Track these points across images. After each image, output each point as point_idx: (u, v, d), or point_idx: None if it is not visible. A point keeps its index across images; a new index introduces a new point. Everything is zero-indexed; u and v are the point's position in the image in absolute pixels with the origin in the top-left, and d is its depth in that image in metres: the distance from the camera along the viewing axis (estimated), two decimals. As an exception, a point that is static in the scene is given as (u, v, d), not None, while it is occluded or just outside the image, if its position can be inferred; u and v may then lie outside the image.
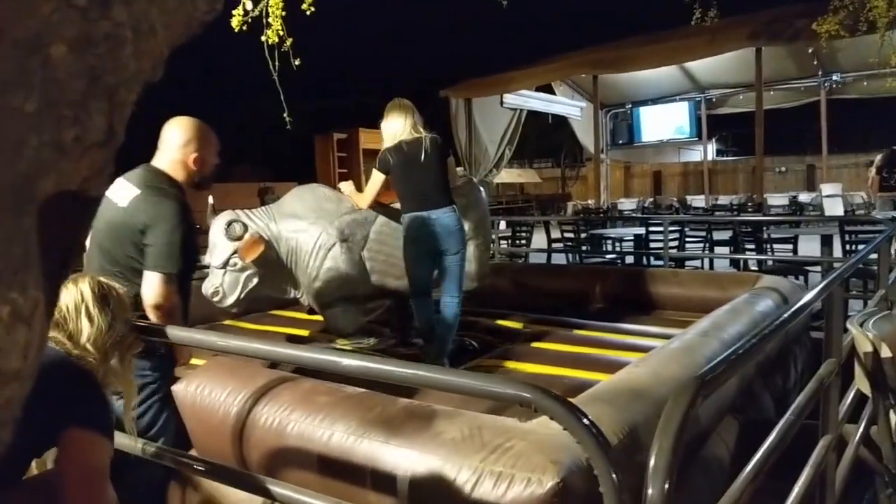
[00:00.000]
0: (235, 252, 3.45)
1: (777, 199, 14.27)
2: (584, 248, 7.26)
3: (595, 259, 6.70)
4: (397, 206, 3.76)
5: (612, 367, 3.23)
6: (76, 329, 1.50)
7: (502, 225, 8.16)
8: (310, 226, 3.69)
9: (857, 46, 10.44)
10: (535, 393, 1.14)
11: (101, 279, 1.63)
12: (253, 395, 2.00)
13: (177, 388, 2.22)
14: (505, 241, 8.02)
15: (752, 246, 6.79)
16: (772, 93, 12.23)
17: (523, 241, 7.88)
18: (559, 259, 7.79)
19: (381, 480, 1.64)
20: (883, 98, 12.98)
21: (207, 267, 3.58)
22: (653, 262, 6.48)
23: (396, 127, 3.63)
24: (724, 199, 16.64)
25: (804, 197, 15.34)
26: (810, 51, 10.99)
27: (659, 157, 21.65)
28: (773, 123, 13.73)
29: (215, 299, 3.51)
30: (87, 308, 1.52)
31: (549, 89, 12.54)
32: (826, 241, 5.51)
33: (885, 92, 12.62)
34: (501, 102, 11.19)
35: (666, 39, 8.49)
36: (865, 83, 12.63)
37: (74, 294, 1.53)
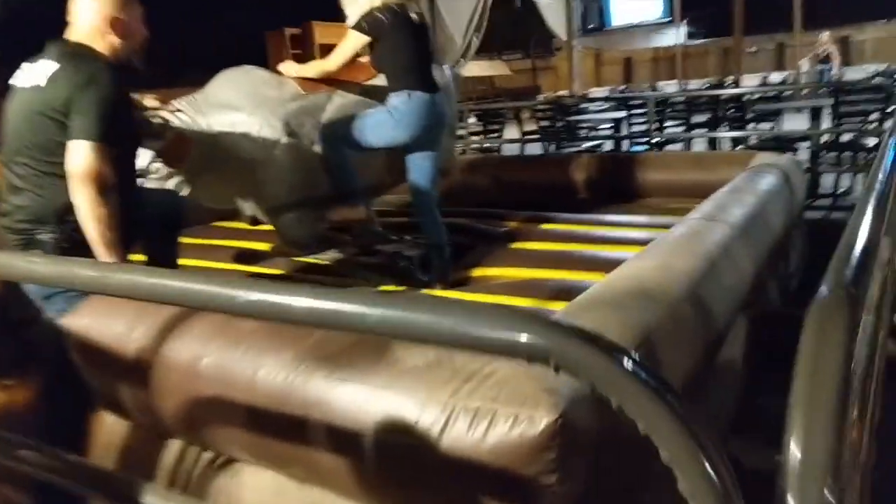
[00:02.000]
0: (158, 155, 2.79)
1: (749, 80, 13.78)
2: (561, 137, 6.78)
3: (573, 148, 6.25)
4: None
5: (603, 264, 2.87)
6: None
7: (471, 119, 7.60)
8: (248, 117, 3.03)
9: None
10: (554, 338, 0.61)
11: None
12: (160, 327, 1.56)
13: (64, 321, 1.78)
14: (475, 136, 7.51)
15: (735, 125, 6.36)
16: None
17: (495, 136, 7.36)
18: (534, 151, 7.32)
19: (322, 429, 1.25)
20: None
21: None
22: (633, 148, 6.07)
23: None
24: (695, 84, 16.09)
25: (775, 76, 14.91)
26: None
27: (629, 42, 20.79)
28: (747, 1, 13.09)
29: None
30: None
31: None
32: (815, 114, 5.11)
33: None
34: (464, -15, 10.32)
35: None
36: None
37: None
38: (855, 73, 13.27)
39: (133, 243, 2.27)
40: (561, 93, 18.75)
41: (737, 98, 6.28)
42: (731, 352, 1.99)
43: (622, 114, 6.65)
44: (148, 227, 2.33)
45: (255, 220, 3.38)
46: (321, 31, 12.64)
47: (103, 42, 2.10)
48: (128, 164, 2.20)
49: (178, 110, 2.97)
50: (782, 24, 18.07)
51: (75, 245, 1.93)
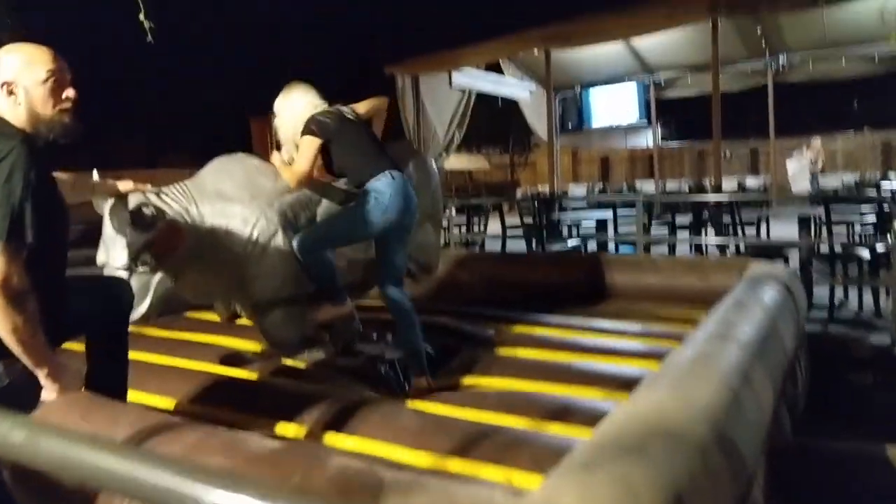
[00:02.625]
0: (147, 246, 2.53)
1: (724, 184, 14.12)
2: (543, 233, 6.72)
3: (558, 246, 6.17)
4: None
5: (598, 379, 2.71)
6: None
7: (453, 211, 7.55)
8: (243, 208, 2.87)
9: (804, 25, 10.31)
10: None
11: None
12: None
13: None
14: (457, 228, 7.44)
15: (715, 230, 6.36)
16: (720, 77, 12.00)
17: (478, 229, 7.30)
18: (515, 246, 7.24)
19: None
20: (827, 82, 13.02)
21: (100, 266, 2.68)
22: (621, 249, 6.00)
23: (310, 97, 3.02)
24: (672, 184, 16.52)
25: (751, 181, 15.32)
26: (758, 31, 10.79)
27: (605, 142, 21.46)
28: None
29: None
30: None
31: (498, 70, 12.01)
32: (804, 223, 5.10)
33: (831, 75, 12.69)
34: (450, 83, 10.60)
35: (623, 14, 8.03)
36: (811, 66, 12.56)
37: None
38: (831, 181, 13.70)
39: (68, 337, 2.02)
40: (537, 188, 19.14)
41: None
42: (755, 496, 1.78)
43: (604, 214, 6.64)
44: (88, 321, 2.04)
45: (233, 316, 3.15)
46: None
47: (13, 112, 1.80)
48: (54, 253, 1.88)
49: (165, 196, 2.76)
50: (753, 130, 18.84)
51: None
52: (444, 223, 6.99)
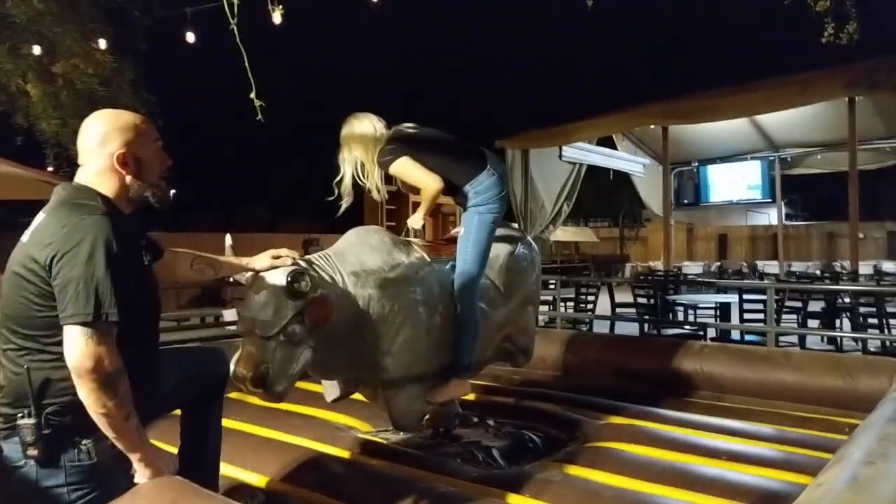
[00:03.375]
0: (299, 316, 2.37)
1: (859, 268, 13.01)
2: (658, 315, 6.32)
3: (674, 330, 5.77)
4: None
5: (719, 486, 2.39)
6: None
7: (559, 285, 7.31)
8: (386, 281, 2.77)
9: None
10: None
11: None
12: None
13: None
14: (563, 305, 7.17)
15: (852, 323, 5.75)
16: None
17: (587, 306, 6.99)
18: (624, 328, 6.87)
19: None
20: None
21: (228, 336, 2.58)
22: (746, 337, 5.51)
23: (373, 120, 3.04)
24: (797, 266, 15.43)
25: (888, 266, 14.07)
26: (899, 108, 10.09)
27: (723, 219, 20.51)
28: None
29: (259, 388, 2.31)
30: None
31: (610, 144, 11.85)
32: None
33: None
34: (560, 156, 10.52)
35: (749, 90, 7.69)
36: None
37: None
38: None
39: (162, 413, 1.96)
40: (648, 263, 18.45)
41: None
42: None
43: (726, 298, 6.18)
44: (183, 395, 1.96)
45: (344, 396, 3.02)
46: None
47: (111, 182, 1.73)
48: (144, 328, 1.78)
49: (314, 265, 2.63)
50: (889, 211, 17.45)
51: (58, 431, 1.58)
52: (550, 298, 6.78)
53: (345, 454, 2.76)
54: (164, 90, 10.01)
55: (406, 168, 2.96)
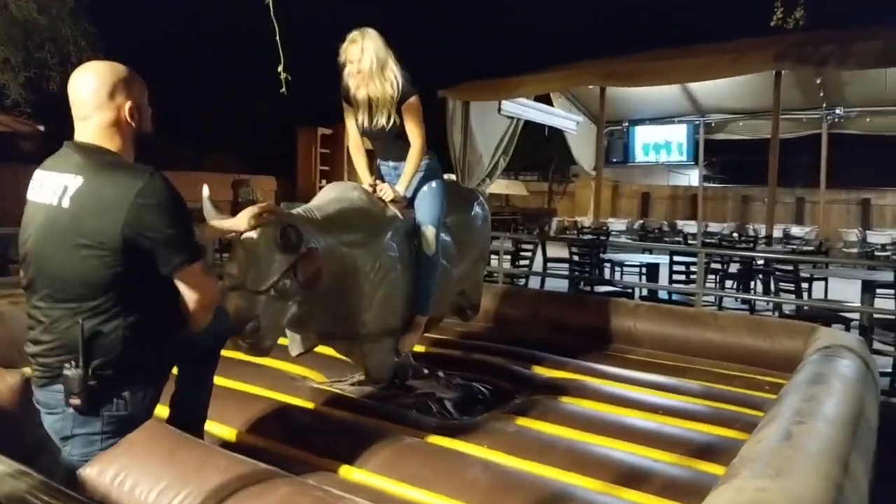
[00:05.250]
0: (292, 270, 2.37)
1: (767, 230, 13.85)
2: (594, 273, 6.60)
3: (607, 289, 6.05)
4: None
5: (664, 441, 2.61)
6: None
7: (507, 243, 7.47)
8: (368, 238, 2.80)
9: (864, 82, 10.17)
10: None
11: None
12: (197, 498, 1.28)
13: (84, 473, 1.49)
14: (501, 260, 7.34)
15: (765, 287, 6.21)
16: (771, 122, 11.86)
17: (524, 262, 7.19)
18: (553, 285, 7.13)
19: None
20: (883, 136, 12.77)
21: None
22: (673, 297, 5.86)
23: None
24: (714, 227, 16.25)
25: (796, 230, 15.01)
26: (818, 81, 10.66)
27: (647, 178, 21.23)
28: (768, 153, 13.37)
29: (248, 341, 2.34)
30: None
31: (546, 101, 11.99)
32: (868, 286, 4.93)
33: (887, 130, 12.45)
34: (499, 109, 10.58)
35: (687, 55, 7.95)
36: (868, 119, 12.38)
37: None
38: (879, 238, 13.35)
39: (175, 363, 2.01)
40: (575, 218, 19.00)
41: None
42: None
43: (659, 258, 6.51)
44: (190, 345, 2.00)
45: (306, 351, 3.05)
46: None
47: (119, 135, 1.77)
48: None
49: (300, 219, 2.55)
50: (800, 178, 18.52)
51: (103, 383, 1.67)
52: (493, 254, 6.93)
53: (308, 405, 2.83)
54: (108, 23, 9.37)
55: (418, 105, 3.02)
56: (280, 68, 3.65)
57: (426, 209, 3.10)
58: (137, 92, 1.80)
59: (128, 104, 1.76)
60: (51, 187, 1.69)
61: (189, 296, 1.74)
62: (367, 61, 2.92)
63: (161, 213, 1.66)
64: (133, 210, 1.62)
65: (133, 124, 1.78)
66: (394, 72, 2.97)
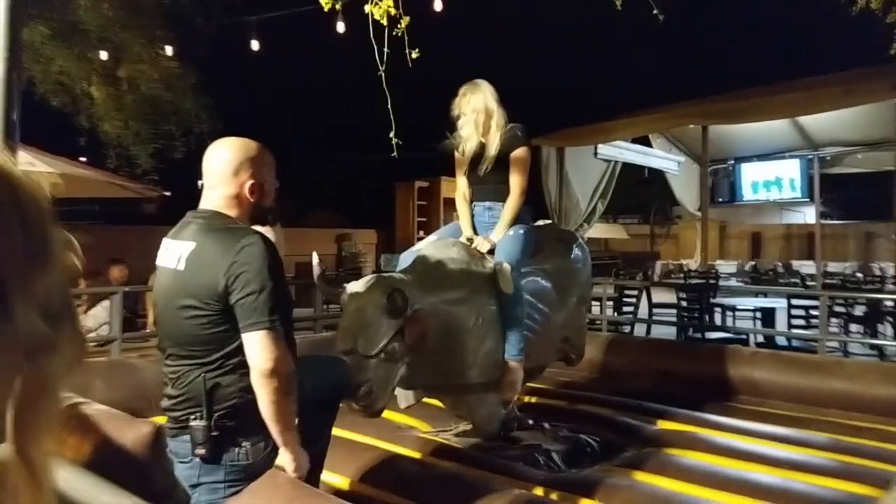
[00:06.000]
0: (399, 334, 2.44)
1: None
2: (703, 319, 6.31)
3: (718, 335, 5.77)
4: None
5: (784, 496, 2.44)
6: None
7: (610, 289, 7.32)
8: (469, 294, 2.85)
9: None
10: None
11: None
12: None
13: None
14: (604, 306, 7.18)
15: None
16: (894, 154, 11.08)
17: (628, 308, 7.00)
18: (660, 332, 6.88)
19: None
20: None
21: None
22: (792, 343, 5.51)
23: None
24: (833, 266, 15.21)
25: (934, 268, 13.78)
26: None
27: (757, 217, 20.23)
28: (892, 186, 12.46)
29: (361, 403, 2.41)
30: None
31: (644, 142, 11.80)
32: None
33: None
34: (595, 153, 10.50)
35: (792, 89, 7.62)
36: None
37: None
38: None
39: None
40: (680, 261, 18.32)
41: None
42: None
43: (775, 301, 6.15)
44: (310, 401, 2.02)
45: (414, 403, 3.12)
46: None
47: (239, 208, 1.88)
48: (289, 336, 1.92)
49: (403, 281, 2.65)
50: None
51: (224, 433, 1.77)
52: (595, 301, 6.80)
53: (414, 454, 2.86)
54: (224, 94, 10.22)
55: (527, 157, 3.14)
56: (392, 134, 3.84)
57: (505, 250, 3.05)
58: (263, 169, 1.92)
59: (250, 181, 1.88)
60: (174, 254, 1.84)
61: (250, 359, 1.73)
62: (474, 113, 3.07)
63: (251, 274, 1.72)
64: (231, 269, 1.73)
65: (252, 199, 1.89)
66: (503, 122, 3.08)
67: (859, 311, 6.91)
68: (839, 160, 12.79)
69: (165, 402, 1.88)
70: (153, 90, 8.35)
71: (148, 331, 5.56)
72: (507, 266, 2.96)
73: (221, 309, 1.75)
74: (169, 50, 8.04)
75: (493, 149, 3.10)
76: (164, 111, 8.66)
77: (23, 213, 0.51)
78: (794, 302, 5.87)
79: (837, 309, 6.31)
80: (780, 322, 6.41)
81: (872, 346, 6.32)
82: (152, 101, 8.51)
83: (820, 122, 10.90)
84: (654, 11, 3.89)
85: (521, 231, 3.13)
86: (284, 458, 1.81)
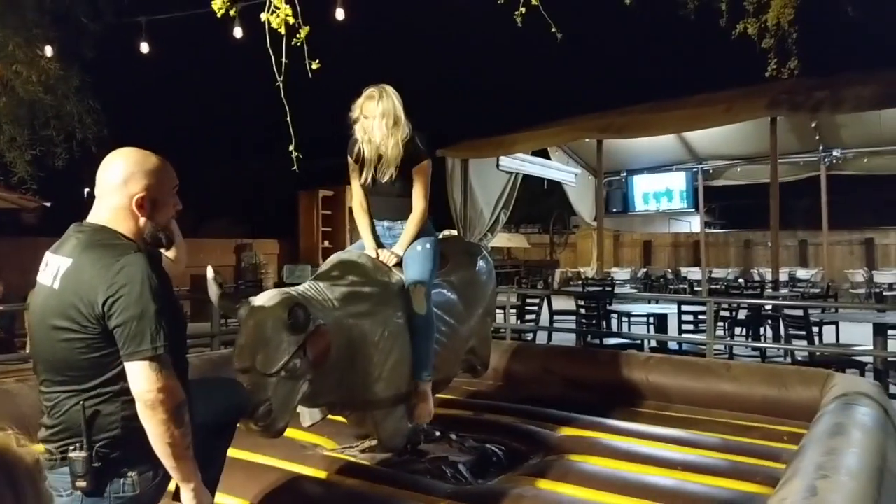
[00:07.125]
0: (301, 350, 2.34)
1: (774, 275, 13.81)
2: (601, 325, 6.55)
3: (615, 340, 5.99)
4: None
5: (680, 497, 2.55)
6: None
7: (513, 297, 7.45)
8: (375, 307, 2.79)
9: (860, 123, 10.31)
10: None
11: None
12: None
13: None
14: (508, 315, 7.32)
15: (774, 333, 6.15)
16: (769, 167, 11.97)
17: (532, 316, 7.16)
18: (561, 339, 7.08)
19: None
20: (881, 175, 12.86)
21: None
22: (683, 347, 5.80)
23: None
24: (717, 272, 16.20)
25: (802, 273, 14.97)
26: (813, 125, 10.80)
27: (648, 226, 21.36)
28: (767, 197, 13.47)
29: (260, 424, 2.29)
30: None
31: (544, 154, 12.17)
32: (879, 331, 4.88)
33: (885, 169, 12.54)
34: (498, 165, 10.73)
35: (680, 106, 8.10)
36: (865, 160, 12.47)
37: None
38: (884, 277, 13.31)
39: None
40: (578, 269, 19.01)
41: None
42: None
43: (667, 308, 6.47)
44: (205, 425, 1.91)
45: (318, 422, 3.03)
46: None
47: (129, 222, 1.74)
48: (179, 359, 1.77)
49: (306, 297, 2.55)
50: (801, 221, 18.59)
51: (107, 464, 1.64)
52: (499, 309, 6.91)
53: (320, 474, 2.78)
54: (112, 99, 9.59)
55: (429, 169, 3.08)
56: (291, 147, 3.72)
57: (416, 268, 3.00)
58: (159, 185, 1.77)
59: (140, 194, 1.73)
60: (52, 269, 1.69)
61: (133, 390, 1.59)
62: (382, 118, 2.94)
63: (131, 297, 1.59)
64: (109, 291, 1.59)
65: (141, 214, 1.75)
66: (407, 131, 3.00)
67: (742, 314, 7.38)
68: (720, 173, 13.70)
69: (42, 433, 1.71)
70: (30, 93, 7.74)
71: (27, 351, 5.13)
72: (420, 288, 2.91)
73: (99, 333, 1.61)
74: (49, 50, 7.48)
75: (392, 158, 3.00)
76: (44, 115, 8.05)
77: None
78: (684, 308, 6.19)
79: (723, 313, 6.70)
80: (672, 327, 6.74)
81: (755, 349, 6.76)
82: (30, 105, 7.88)
83: (704, 138, 11.65)
84: (553, 30, 4.01)
85: (429, 245, 3.08)
86: (184, 496, 1.68)
